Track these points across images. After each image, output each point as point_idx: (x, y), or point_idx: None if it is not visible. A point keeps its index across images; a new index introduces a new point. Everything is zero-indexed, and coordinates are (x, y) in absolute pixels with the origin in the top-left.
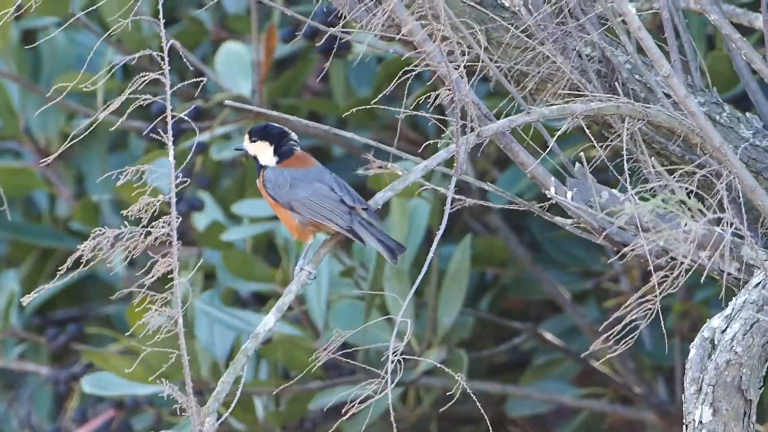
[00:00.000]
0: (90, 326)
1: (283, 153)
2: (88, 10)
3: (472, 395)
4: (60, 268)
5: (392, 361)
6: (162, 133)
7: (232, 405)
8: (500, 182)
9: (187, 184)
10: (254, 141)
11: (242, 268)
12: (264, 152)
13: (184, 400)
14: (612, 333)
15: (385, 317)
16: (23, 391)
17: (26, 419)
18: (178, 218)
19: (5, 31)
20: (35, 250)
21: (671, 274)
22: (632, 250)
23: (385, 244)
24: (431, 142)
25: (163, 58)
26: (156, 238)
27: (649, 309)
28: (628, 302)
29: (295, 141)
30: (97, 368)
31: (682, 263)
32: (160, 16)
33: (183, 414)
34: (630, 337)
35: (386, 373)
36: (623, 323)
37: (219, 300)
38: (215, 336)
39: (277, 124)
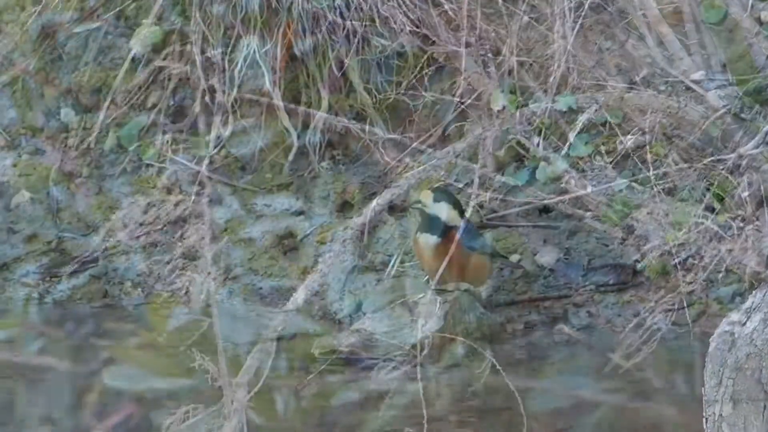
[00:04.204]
0: (109, 321)
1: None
2: (108, 7)
3: (506, 378)
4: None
5: (419, 352)
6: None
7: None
8: (519, 175)
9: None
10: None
11: (261, 263)
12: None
13: (215, 371)
14: (636, 331)
15: (408, 310)
16: (42, 386)
17: (45, 415)
18: (205, 191)
19: (25, 26)
20: (54, 245)
21: (694, 269)
22: (653, 244)
23: None
24: (453, 127)
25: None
26: (186, 209)
27: (673, 305)
28: (653, 299)
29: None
30: (118, 363)
31: (704, 258)
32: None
33: (217, 394)
34: (653, 339)
35: (414, 364)
36: (647, 323)
37: (239, 294)
38: (235, 331)
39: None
